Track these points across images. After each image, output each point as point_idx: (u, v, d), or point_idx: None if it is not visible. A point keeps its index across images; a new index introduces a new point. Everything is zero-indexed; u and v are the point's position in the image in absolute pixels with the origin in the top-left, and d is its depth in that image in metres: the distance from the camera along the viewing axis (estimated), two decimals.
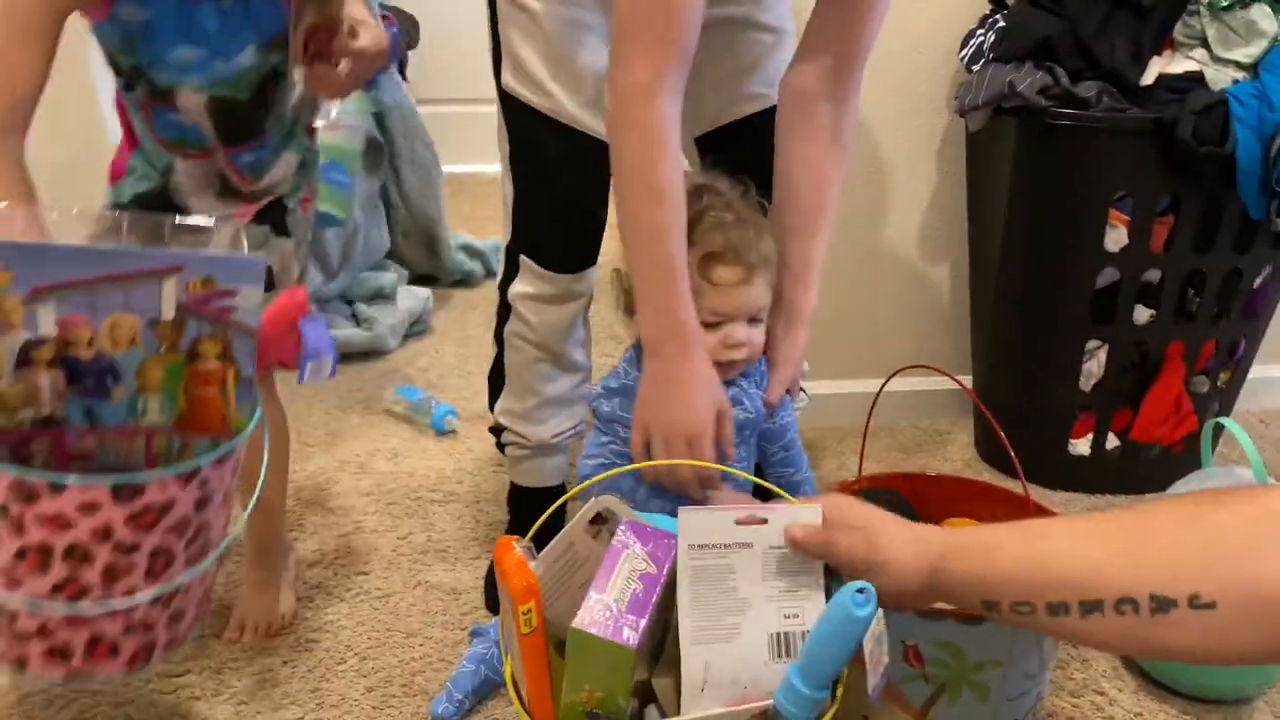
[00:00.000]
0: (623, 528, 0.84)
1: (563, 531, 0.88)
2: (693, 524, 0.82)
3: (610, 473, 1.02)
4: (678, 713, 0.83)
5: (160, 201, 1.11)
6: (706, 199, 1.07)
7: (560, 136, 1.20)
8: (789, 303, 1.13)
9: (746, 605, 0.83)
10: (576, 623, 0.77)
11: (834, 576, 0.85)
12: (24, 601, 0.85)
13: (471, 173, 2.98)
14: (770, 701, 0.80)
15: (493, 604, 1.32)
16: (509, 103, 1.23)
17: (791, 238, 1.13)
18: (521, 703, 0.84)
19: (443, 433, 1.79)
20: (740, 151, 1.24)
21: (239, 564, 1.35)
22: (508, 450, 1.42)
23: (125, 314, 0.86)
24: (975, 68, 1.61)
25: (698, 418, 1.01)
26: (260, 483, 0.98)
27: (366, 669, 1.23)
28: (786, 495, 0.91)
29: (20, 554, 0.84)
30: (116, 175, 1.13)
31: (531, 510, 1.01)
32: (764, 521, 0.84)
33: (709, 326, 1.05)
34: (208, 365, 0.90)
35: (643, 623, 0.78)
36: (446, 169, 2.47)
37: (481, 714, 1.16)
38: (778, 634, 0.83)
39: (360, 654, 1.25)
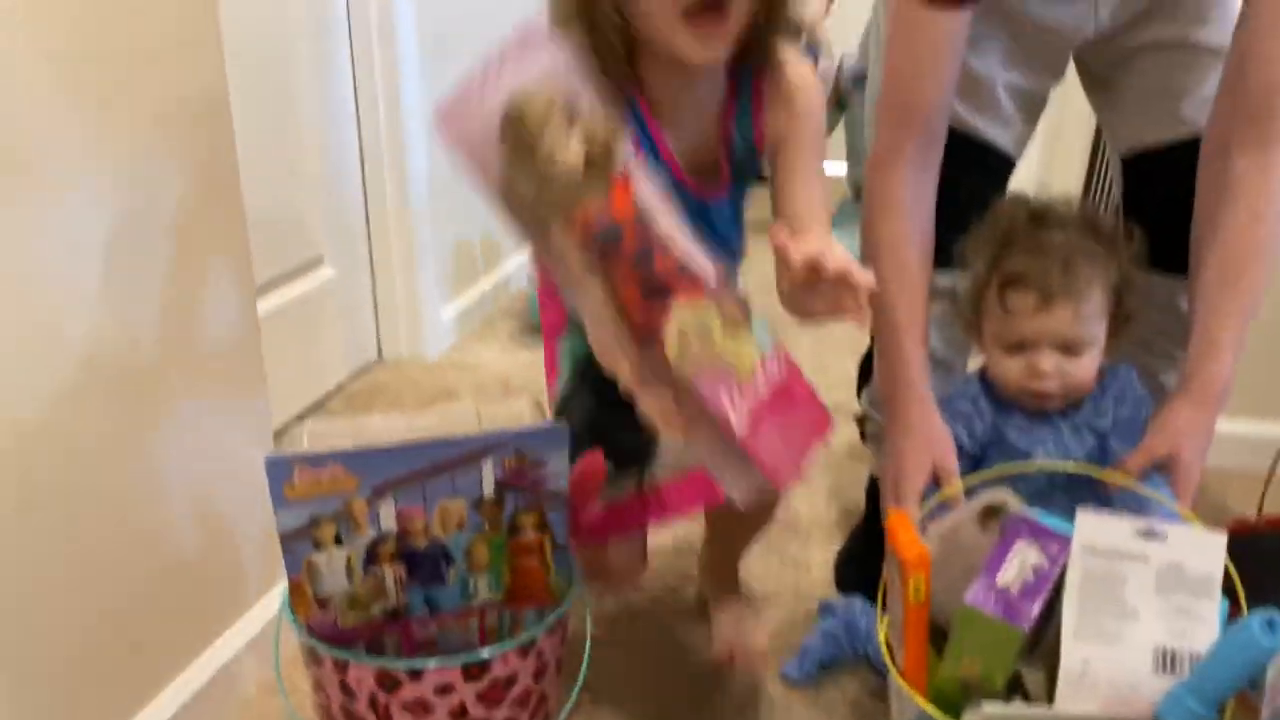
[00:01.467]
0: (1015, 521, 0.88)
1: (951, 517, 0.94)
2: (1090, 527, 0.85)
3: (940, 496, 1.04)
4: (1046, 704, 0.87)
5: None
6: (1025, 225, 1.05)
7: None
8: (1189, 372, 1.04)
9: (1134, 615, 0.85)
10: (969, 600, 0.83)
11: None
12: None
13: None
14: (1149, 714, 0.82)
15: (844, 584, 1.40)
16: None
17: (1197, 300, 1.06)
18: (897, 667, 0.91)
19: None
20: (1159, 184, 1.20)
21: None
22: (869, 440, 1.48)
23: (453, 499, 0.91)
24: None
25: (900, 465, 1.05)
26: (585, 662, 1.02)
27: None
28: (1193, 517, 0.90)
29: None
30: (554, 330, 1.15)
31: None
32: (1164, 538, 0.85)
33: (1011, 353, 1.05)
34: (527, 537, 0.95)
35: (1034, 610, 0.82)
36: None
37: (830, 681, 1.24)
38: (1165, 649, 0.84)
39: None
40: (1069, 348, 1.03)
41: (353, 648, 0.95)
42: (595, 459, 1.02)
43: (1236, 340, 1.02)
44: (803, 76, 1.02)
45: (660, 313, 0.75)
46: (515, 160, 0.78)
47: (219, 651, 1.17)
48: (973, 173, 1.17)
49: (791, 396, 0.73)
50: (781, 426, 0.73)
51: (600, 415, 1.03)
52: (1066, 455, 1.05)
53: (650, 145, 0.98)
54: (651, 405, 0.83)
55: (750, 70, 0.99)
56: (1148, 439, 1.02)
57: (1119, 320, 1.06)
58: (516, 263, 2.61)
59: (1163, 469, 1.01)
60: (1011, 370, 1.05)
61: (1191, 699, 0.79)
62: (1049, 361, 1.03)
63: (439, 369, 2.19)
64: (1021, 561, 0.85)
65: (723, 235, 1.05)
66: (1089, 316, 1.03)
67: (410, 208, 2.09)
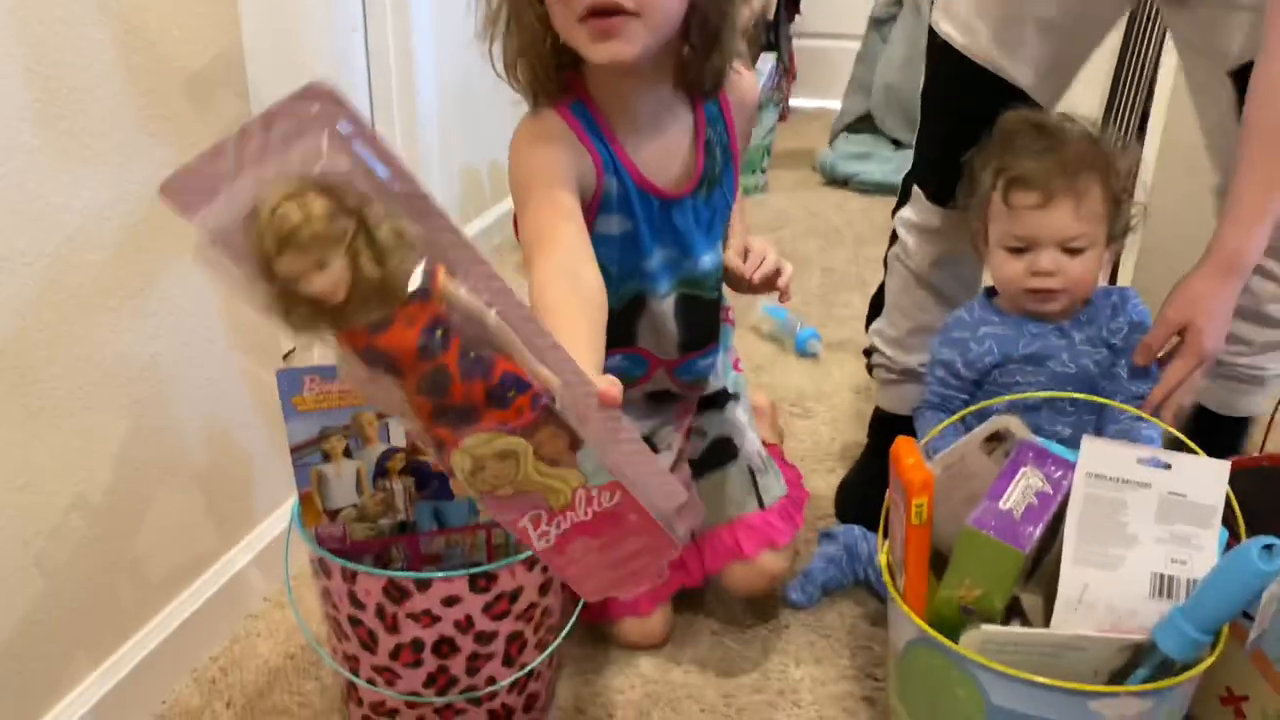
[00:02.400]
0: (1022, 447, 0.89)
1: (957, 444, 0.94)
2: (1095, 453, 0.86)
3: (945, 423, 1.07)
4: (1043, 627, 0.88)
5: None
6: (1029, 131, 1.09)
7: (971, 75, 1.22)
8: (1211, 242, 1.05)
9: (1134, 541, 0.86)
10: (972, 522, 0.84)
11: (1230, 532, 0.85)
12: (404, 696, 0.95)
13: None
14: (1144, 636, 0.83)
15: (845, 513, 1.41)
16: (932, 37, 1.27)
17: (1234, 173, 1.04)
18: (896, 590, 0.93)
19: (805, 354, 1.89)
20: None
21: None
22: (875, 373, 1.49)
23: None
24: None
25: None
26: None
27: None
28: (1195, 447, 0.91)
29: (396, 651, 0.93)
30: None
31: (893, 435, 1.07)
32: (1168, 466, 0.85)
33: (1014, 254, 1.08)
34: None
35: (1036, 533, 0.83)
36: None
37: (829, 605, 1.26)
38: (1162, 575, 0.85)
39: None
40: (1069, 247, 1.07)
41: (361, 561, 0.96)
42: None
43: (1260, 212, 1.01)
44: (753, 86, 1.15)
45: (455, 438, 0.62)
46: (250, 269, 0.58)
47: (227, 565, 1.19)
48: (990, 104, 1.16)
49: (621, 522, 0.66)
50: (601, 546, 0.66)
51: None
52: (1078, 363, 1.09)
53: (608, 153, 1.01)
54: None
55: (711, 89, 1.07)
56: (1164, 309, 1.05)
57: (1118, 231, 1.10)
58: None
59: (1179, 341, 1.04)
60: (1014, 270, 1.09)
61: (1187, 623, 0.81)
62: (1049, 259, 1.06)
63: None
64: (1025, 486, 0.85)
65: (682, 233, 1.09)
66: (1088, 217, 1.06)
67: (417, 133, 2.07)
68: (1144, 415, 0.95)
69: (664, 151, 1.06)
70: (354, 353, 0.61)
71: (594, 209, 1.02)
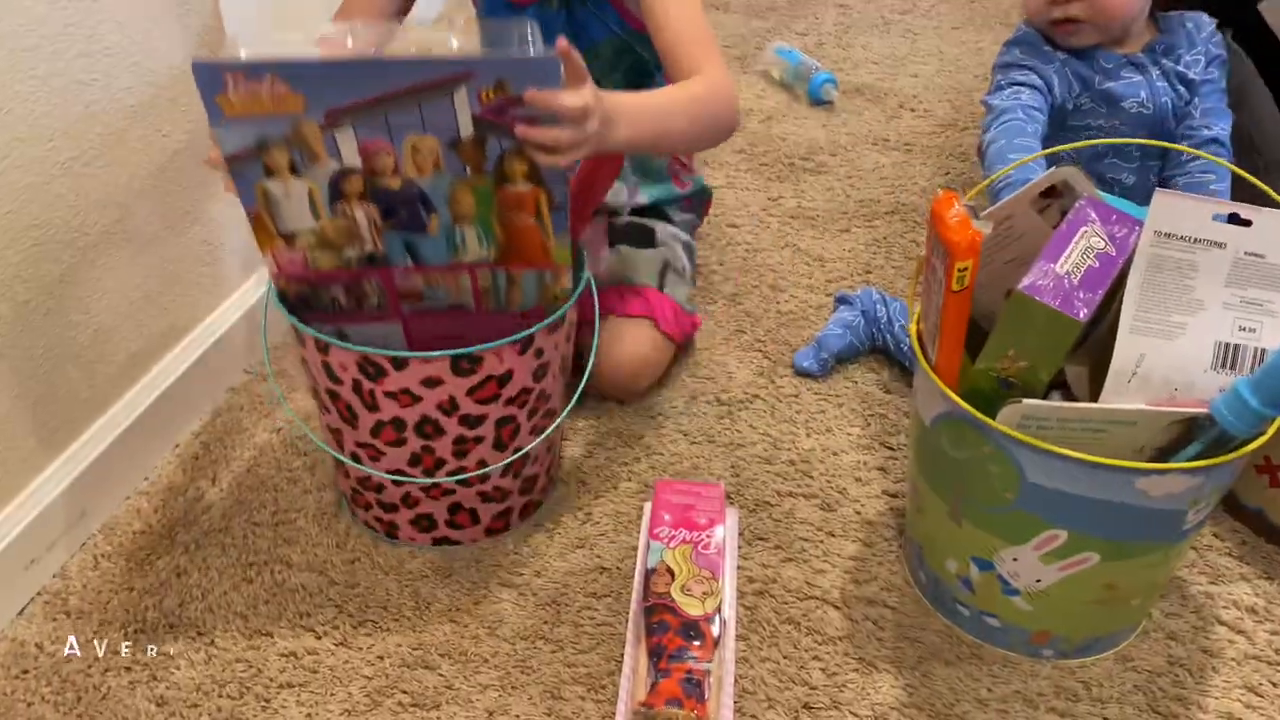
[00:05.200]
0: (1082, 203, 0.78)
1: (1005, 200, 0.83)
2: (1166, 209, 0.75)
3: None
4: (1087, 400, 0.81)
5: None
6: None
7: None
8: None
9: (1199, 307, 0.77)
10: (1024, 287, 0.74)
11: None
12: (387, 474, 0.90)
13: None
14: (1203, 410, 0.76)
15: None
16: None
17: None
18: (928, 360, 0.85)
19: (819, 102, 1.73)
20: None
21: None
22: None
23: (423, 135, 0.77)
24: None
25: None
26: (593, 355, 0.99)
27: (736, 313, 1.28)
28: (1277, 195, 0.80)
29: (376, 429, 0.87)
30: None
31: None
32: (1247, 223, 0.75)
33: None
34: (518, 188, 0.81)
35: (1096, 299, 0.74)
36: None
37: (840, 374, 1.19)
38: (1227, 344, 0.77)
39: (727, 298, 1.31)
40: None
41: (329, 289, 0.87)
42: (615, 158, 0.95)
43: None
44: None
45: None
46: None
47: (205, 333, 1.11)
48: None
49: None
50: None
51: None
52: (1157, 101, 1.01)
53: None
54: None
55: None
56: None
57: None
58: None
59: None
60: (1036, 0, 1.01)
61: (1252, 394, 0.73)
62: None
63: None
64: (1085, 246, 0.75)
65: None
66: None
67: None
68: (1219, 161, 0.83)
69: None
70: None
71: None
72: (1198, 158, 0.97)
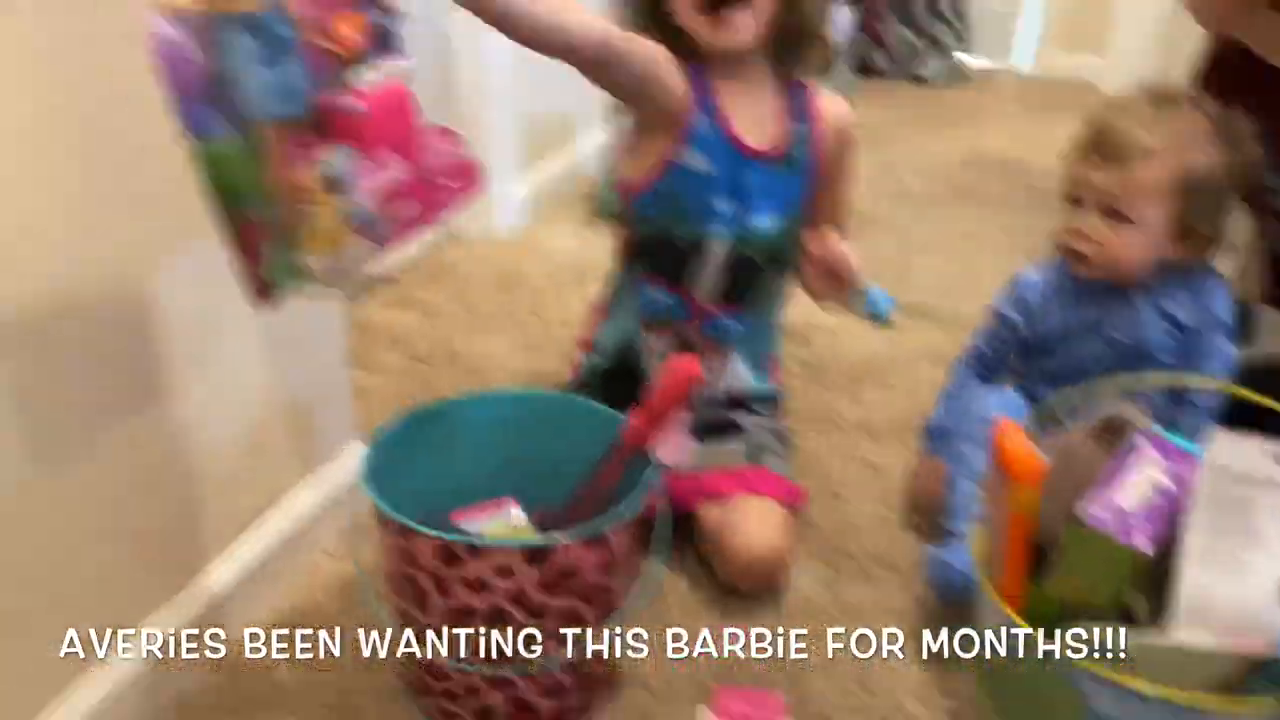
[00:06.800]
0: (1142, 437, 0.81)
1: (1064, 431, 0.87)
2: (1223, 447, 0.78)
3: None
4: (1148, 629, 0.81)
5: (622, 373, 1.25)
6: (1139, 94, 1.08)
7: None
8: None
9: (1263, 544, 0.78)
10: (1087, 517, 0.77)
11: None
12: (453, 662, 0.91)
13: None
14: (1269, 649, 0.76)
15: None
16: None
17: None
18: (991, 584, 0.86)
19: (877, 320, 1.81)
20: None
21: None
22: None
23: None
24: None
25: None
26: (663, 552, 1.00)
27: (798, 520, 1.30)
28: None
29: (448, 616, 0.90)
30: (586, 348, 1.31)
31: None
32: None
33: (1068, 207, 1.08)
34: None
35: (1156, 532, 0.76)
36: None
37: (896, 582, 1.20)
38: None
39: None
40: (1113, 213, 1.04)
41: None
42: (692, 361, 0.99)
43: None
44: (847, 112, 1.24)
45: None
46: None
47: (290, 510, 1.16)
48: None
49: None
50: None
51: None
52: (1136, 330, 1.08)
53: (704, 93, 1.15)
54: None
55: (799, 85, 1.20)
56: None
57: (1183, 223, 1.04)
58: (593, 142, 2.51)
59: None
60: (1061, 224, 1.09)
61: None
62: (1089, 221, 1.06)
63: (510, 247, 2.13)
64: (1148, 480, 0.78)
65: (750, 191, 1.17)
66: (1140, 188, 1.03)
67: (490, 79, 2.01)
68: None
69: (752, 112, 1.17)
70: None
71: (680, 139, 1.15)
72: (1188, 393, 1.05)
